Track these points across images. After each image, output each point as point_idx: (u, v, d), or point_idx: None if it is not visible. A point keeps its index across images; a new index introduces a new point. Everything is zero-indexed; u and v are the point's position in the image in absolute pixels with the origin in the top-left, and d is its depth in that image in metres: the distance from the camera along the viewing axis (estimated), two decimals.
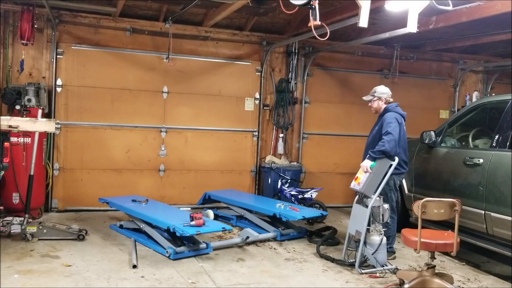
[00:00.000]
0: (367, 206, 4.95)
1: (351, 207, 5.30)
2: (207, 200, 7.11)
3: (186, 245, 5.25)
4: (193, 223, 5.06)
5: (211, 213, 6.81)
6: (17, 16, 6.52)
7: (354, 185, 5.10)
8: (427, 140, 6.07)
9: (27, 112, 6.24)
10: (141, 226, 5.68)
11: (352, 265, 5.02)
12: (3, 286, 4.10)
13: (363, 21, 4.88)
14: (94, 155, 7.27)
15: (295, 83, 8.15)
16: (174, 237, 5.37)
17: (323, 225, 6.92)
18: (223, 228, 5.32)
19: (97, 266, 4.77)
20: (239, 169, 8.02)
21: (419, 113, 8.49)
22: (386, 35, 6.03)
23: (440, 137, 6.08)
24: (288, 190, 7.21)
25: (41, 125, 5.28)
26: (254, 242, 5.79)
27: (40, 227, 5.50)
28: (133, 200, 6.26)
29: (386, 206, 5.04)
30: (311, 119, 8.39)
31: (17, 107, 6.28)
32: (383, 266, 4.94)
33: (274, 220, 6.36)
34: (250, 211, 6.62)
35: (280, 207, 6.21)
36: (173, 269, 4.78)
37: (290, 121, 8.17)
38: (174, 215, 5.62)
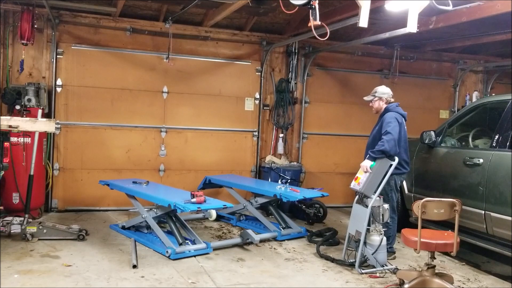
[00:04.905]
0: (367, 206, 4.95)
1: (351, 207, 5.31)
2: (208, 184, 7.08)
3: (186, 245, 5.25)
4: (194, 200, 5.06)
5: (213, 212, 6.83)
6: (17, 16, 6.52)
7: (354, 185, 5.10)
8: (427, 140, 6.07)
9: (27, 112, 6.24)
10: (144, 215, 5.65)
11: (352, 265, 5.03)
12: (3, 286, 4.10)
13: (363, 21, 4.88)
14: (94, 155, 7.27)
15: (295, 83, 8.15)
16: (174, 236, 5.37)
17: (323, 226, 6.93)
18: (224, 205, 5.31)
19: (97, 266, 4.77)
20: (239, 169, 8.01)
21: (419, 113, 8.50)
22: (386, 35, 6.03)
23: (440, 137, 6.08)
24: None
25: (41, 125, 5.27)
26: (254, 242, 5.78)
27: (40, 227, 5.50)
28: (134, 182, 6.26)
29: (386, 206, 5.04)
30: (311, 119, 8.39)
31: (17, 107, 6.27)
32: (383, 266, 4.94)
33: (274, 208, 6.46)
34: (253, 195, 6.63)
35: (280, 189, 6.22)
36: (173, 269, 4.78)
37: (290, 121, 8.17)
38: (175, 194, 5.63)
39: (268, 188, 6.43)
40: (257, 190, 6.54)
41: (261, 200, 6.48)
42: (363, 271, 4.90)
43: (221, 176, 7.26)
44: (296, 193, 6.02)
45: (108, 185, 6.25)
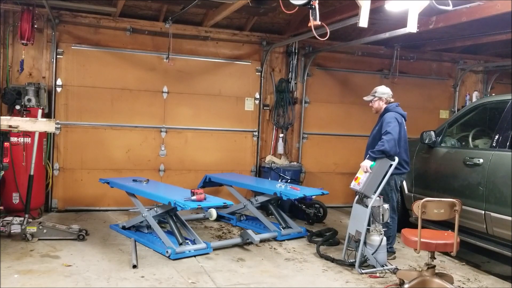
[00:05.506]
0: (367, 206, 4.95)
1: (351, 207, 5.31)
2: (208, 183, 7.08)
3: (186, 245, 5.25)
4: (194, 197, 5.05)
5: (214, 211, 6.81)
6: (17, 16, 6.52)
7: (354, 185, 5.10)
8: (427, 140, 6.07)
9: (27, 112, 6.24)
10: (144, 214, 5.65)
11: (352, 265, 5.03)
12: (3, 286, 4.10)
13: (363, 21, 4.89)
14: (94, 155, 7.27)
15: (295, 83, 8.15)
16: (175, 235, 5.37)
17: (323, 226, 6.93)
18: (224, 203, 5.30)
19: (97, 266, 4.77)
20: (239, 169, 8.01)
21: (419, 113, 8.50)
22: (386, 35, 6.03)
23: (440, 137, 6.08)
24: None
25: (41, 125, 5.27)
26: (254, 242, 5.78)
27: (40, 227, 5.50)
28: (134, 180, 6.27)
29: (386, 206, 5.04)
30: (311, 119, 8.39)
31: (17, 107, 6.27)
32: (383, 266, 4.94)
33: (274, 207, 6.48)
34: (253, 195, 6.64)
35: (280, 187, 6.22)
36: (173, 269, 4.78)
37: (290, 121, 8.17)
38: (175, 192, 5.62)
39: (268, 186, 6.43)
40: (257, 188, 6.55)
41: (261, 199, 6.47)
42: (363, 271, 4.90)
43: (221, 175, 7.26)
44: (296, 191, 6.01)
45: (108, 183, 6.25)
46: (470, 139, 5.96)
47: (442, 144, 6.10)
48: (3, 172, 5.15)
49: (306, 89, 8.29)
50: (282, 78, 8.16)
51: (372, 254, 4.93)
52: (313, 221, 7.09)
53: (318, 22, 4.30)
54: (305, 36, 6.97)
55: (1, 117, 5.03)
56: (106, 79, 7.25)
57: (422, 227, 4.15)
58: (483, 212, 5.14)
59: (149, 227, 5.81)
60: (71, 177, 7.20)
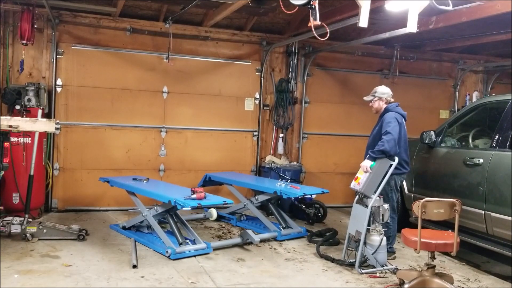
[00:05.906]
0: (367, 206, 4.95)
1: (351, 207, 5.31)
2: (208, 182, 7.07)
3: (186, 245, 5.25)
4: (194, 196, 5.05)
5: (214, 211, 6.83)
6: (17, 16, 6.52)
7: (354, 185, 5.10)
8: (427, 140, 6.07)
9: (27, 112, 6.24)
10: (144, 213, 5.65)
11: (352, 265, 5.03)
12: (3, 286, 4.10)
13: (363, 21, 4.89)
14: (94, 155, 7.27)
15: (295, 83, 8.15)
16: (175, 235, 5.37)
17: (323, 226, 6.94)
18: (224, 201, 5.30)
19: (97, 266, 4.77)
20: (239, 169, 8.01)
21: (419, 113, 8.49)
22: (386, 35, 6.03)
23: (440, 137, 6.08)
24: None
25: (41, 125, 5.27)
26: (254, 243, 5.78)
27: (40, 227, 5.50)
28: (134, 179, 6.26)
29: (386, 206, 5.04)
30: (311, 119, 8.39)
31: (17, 107, 6.27)
32: (383, 266, 4.94)
33: (274, 206, 6.48)
34: (253, 194, 6.63)
35: (280, 186, 6.21)
36: (173, 269, 4.78)
37: (290, 121, 8.17)
38: (175, 190, 5.61)
39: (268, 185, 6.43)
40: (257, 187, 6.55)
41: (261, 198, 6.46)
42: (363, 271, 4.90)
43: (221, 173, 7.26)
44: (297, 190, 6.01)
45: (108, 182, 6.25)
46: (470, 139, 5.97)
47: (442, 144, 6.10)
48: (3, 172, 5.15)
49: (306, 89, 8.29)
50: (282, 78, 8.16)
51: (372, 254, 4.93)
52: (313, 221, 7.09)
53: (318, 22, 4.30)
54: (305, 36, 6.97)
55: (1, 117, 5.02)
56: (106, 79, 7.25)
57: (422, 227, 4.15)
58: (483, 212, 5.14)
59: (149, 227, 5.81)
60: (71, 177, 7.20)
